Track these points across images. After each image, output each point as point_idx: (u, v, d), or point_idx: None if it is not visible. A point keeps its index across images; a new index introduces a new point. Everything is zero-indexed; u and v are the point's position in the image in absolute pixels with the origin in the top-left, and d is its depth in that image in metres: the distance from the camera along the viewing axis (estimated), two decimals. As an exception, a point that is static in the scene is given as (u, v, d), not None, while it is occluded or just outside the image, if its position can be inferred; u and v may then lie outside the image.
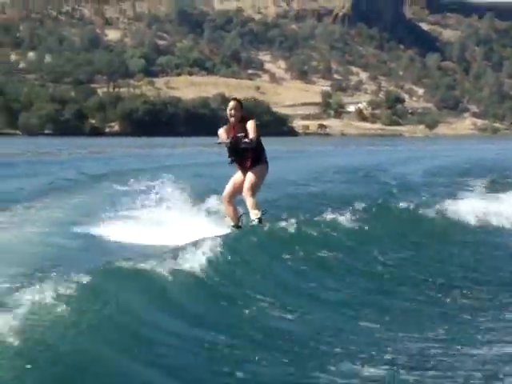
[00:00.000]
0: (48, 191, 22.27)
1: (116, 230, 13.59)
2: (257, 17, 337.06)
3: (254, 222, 12.17)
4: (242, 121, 12.76)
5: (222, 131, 12.86)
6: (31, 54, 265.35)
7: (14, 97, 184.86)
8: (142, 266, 7.68)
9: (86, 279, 6.62)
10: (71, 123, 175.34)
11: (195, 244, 9.14)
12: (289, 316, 8.09)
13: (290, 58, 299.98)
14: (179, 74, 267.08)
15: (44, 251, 12.06)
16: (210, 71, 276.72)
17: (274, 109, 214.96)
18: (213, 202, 14.59)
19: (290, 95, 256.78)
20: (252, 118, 12.88)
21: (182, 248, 8.97)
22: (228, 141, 12.62)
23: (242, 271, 9.06)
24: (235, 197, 13.00)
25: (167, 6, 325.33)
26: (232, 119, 12.77)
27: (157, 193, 14.55)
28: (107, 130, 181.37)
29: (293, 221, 11.22)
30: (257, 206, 12.45)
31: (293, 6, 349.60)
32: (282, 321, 7.90)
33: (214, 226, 12.95)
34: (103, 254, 11.55)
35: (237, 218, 12.84)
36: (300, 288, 9.24)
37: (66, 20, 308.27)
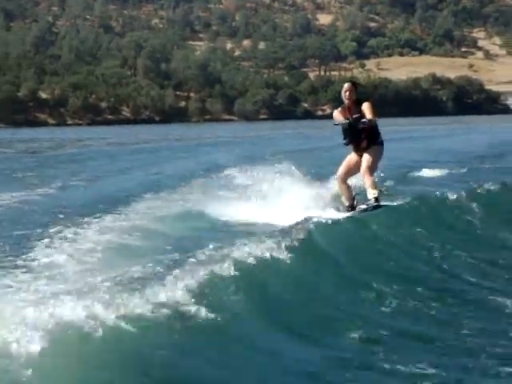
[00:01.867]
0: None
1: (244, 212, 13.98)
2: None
3: (370, 201, 12.19)
4: (357, 103, 12.81)
5: (336, 113, 12.99)
6: (246, 42, 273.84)
7: (230, 84, 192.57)
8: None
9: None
10: (284, 107, 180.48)
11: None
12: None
13: (506, 33, 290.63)
14: (390, 55, 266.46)
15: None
16: (422, 51, 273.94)
17: (488, 86, 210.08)
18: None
19: (505, 72, 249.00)
20: (367, 100, 12.95)
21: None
22: (346, 121, 12.66)
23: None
24: (349, 177, 13.14)
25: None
26: (347, 101, 12.89)
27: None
28: (319, 113, 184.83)
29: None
30: (375, 186, 12.44)
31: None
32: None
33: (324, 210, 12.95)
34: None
35: (352, 198, 12.90)
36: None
37: (279, 7, 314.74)
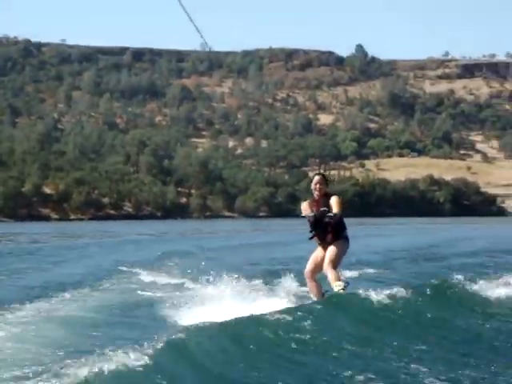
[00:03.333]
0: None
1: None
2: (469, 98, 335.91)
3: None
4: (326, 196, 12.93)
5: (305, 205, 13.04)
6: (248, 140, 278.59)
7: (231, 182, 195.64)
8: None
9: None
10: (283, 206, 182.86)
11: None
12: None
13: (503, 137, 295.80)
14: (390, 156, 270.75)
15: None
16: (421, 152, 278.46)
17: (485, 189, 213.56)
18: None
19: (503, 175, 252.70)
20: (335, 194, 13.05)
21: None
22: (312, 214, 12.70)
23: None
24: (317, 273, 12.93)
25: (378, 91, 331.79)
26: (316, 193, 12.96)
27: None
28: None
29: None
30: (339, 278, 12.37)
31: (506, 86, 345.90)
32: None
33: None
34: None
35: (321, 295, 12.72)
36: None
37: (281, 106, 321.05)
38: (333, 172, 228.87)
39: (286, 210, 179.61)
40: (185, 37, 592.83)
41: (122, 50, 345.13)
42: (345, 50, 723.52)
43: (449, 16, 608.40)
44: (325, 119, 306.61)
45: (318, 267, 12.83)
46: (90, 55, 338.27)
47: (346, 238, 12.99)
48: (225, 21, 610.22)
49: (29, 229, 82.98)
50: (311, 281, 12.91)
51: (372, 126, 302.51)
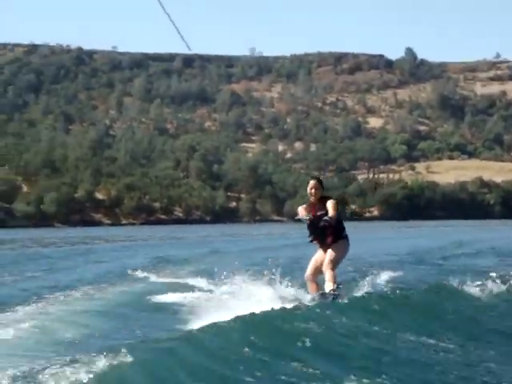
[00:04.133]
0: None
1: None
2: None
3: (328, 293, 12.47)
4: (322, 200, 13.14)
5: (301, 209, 13.33)
6: (297, 144, 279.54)
7: (281, 185, 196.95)
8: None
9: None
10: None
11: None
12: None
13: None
14: (440, 159, 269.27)
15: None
16: (472, 155, 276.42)
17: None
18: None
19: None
20: (331, 198, 13.27)
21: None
22: (307, 218, 12.99)
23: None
24: (317, 275, 13.15)
25: (428, 93, 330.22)
26: (312, 198, 13.18)
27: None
28: (367, 214, 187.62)
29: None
30: (333, 279, 12.64)
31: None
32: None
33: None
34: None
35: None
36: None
37: (330, 110, 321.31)
38: (382, 175, 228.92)
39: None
40: (234, 43, 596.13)
41: (172, 57, 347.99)
42: (394, 53, 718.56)
43: (500, 17, 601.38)
44: (374, 122, 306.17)
45: (318, 270, 13.04)
46: (140, 62, 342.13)
47: (346, 238, 13.21)
48: (274, 26, 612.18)
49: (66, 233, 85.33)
50: (312, 284, 13.12)
51: (422, 128, 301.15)
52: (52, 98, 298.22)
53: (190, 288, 17.88)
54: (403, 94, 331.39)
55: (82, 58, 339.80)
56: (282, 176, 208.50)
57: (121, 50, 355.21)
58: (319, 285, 13.18)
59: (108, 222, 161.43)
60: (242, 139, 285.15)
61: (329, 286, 12.63)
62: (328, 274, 12.79)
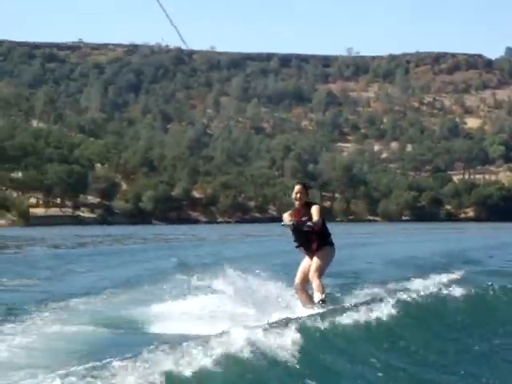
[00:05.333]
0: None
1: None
2: None
3: (316, 305, 12.13)
4: (307, 205, 12.84)
5: (286, 215, 13.00)
6: (393, 145, 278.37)
7: (375, 185, 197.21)
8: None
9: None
10: (427, 209, 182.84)
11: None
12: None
13: None
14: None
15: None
16: None
17: None
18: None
19: None
20: (316, 204, 13.09)
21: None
22: (291, 223, 12.70)
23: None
24: (307, 283, 12.84)
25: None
26: (297, 203, 12.86)
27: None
28: (462, 215, 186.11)
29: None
30: (321, 289, 12.33)
31: None
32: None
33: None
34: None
35: (312, 305, 12.49)
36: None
37: (427, 110, 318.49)
38: (478, 176, 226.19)
39: (430, 213, 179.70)
40: (331, 42, 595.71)
41: (270, 56, 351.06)
42: (494, 52, 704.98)
43: None
44: (472, 123, 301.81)
45: (307, 278, 12.76)
46: (238, 61, 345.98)
47: (332, 244, 12.98)
48: (371, 26, 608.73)
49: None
50: (301, 292, 12.81)
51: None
52: (151, 97, 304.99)
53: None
54: (502, 94, 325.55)
55: (181, 57, 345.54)
56: (376, 176, 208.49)
57: (219, 49, 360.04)
58: (310, 294, 12.82)
59: (204, 219, 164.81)
60: (337, 139, 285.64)
61: (317, 297, 12.29)
62: (315, 284, 12.45)
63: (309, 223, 12.49)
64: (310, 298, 12.66)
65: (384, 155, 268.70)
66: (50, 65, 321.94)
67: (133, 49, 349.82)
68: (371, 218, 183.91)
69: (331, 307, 11.52)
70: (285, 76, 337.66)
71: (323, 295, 12.25)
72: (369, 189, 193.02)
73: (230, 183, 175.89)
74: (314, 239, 12.68)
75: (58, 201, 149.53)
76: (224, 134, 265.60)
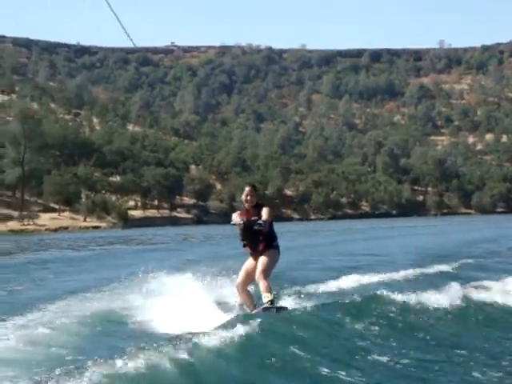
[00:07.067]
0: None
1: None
2: None
3: (265, 305, 12.04)
4: (257, 207, 12.93)
5: (235, 215, 13.10)
6: (488, 136, 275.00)
7: (468, 178, 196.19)
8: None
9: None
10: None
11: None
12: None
13: None
14: None
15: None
16: None
17: None
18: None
19: None
20: (266, 205, 13.07)
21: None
22: (241, 222, 12.81)
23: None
24: (249, 284, 12.94)
25: None
26: (247, 204, 12.94)
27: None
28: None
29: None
30: (269, 289, 12.30)
31: None
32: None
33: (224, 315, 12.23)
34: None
35: (253, 305, 12.65)
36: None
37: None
38: None
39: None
40: (422, 35, 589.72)
41: (360, 52, 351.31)
42: None
43: None
44: None
45: (250, 278, 12.86)
46: (329, 58, 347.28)
47: (277, 248, 13.02)
48: (463, 16, 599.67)
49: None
50: (243, 292, 12.86)
51: None
52: (243, 97, 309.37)
53: None
54: None
55: (272, 57, 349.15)
56: (470, 168, 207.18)
57: (310, 47, 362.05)
58: (251, 294, 12.98)
59: (297, 217, 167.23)
60: (430, 132, 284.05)
61: (266, 297, 12.22)
62: (262, 285, 12.40)
63: (259, 221, 12.59)
64: (252, 298, 12.81)
65: (478, 147, 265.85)
66: (144, 69, 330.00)
67: (224, 50, 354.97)
68: (465, 210, 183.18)
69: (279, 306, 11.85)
70: (376, 71, 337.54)
71: (272, 295, 12.20)
72: (462, 182, 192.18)
73: (321, 180, 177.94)
74: (261, 240, 12.79)
75: (156, 203, 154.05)
76: (316, 131, 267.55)
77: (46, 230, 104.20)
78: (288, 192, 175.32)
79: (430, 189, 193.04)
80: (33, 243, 58.12)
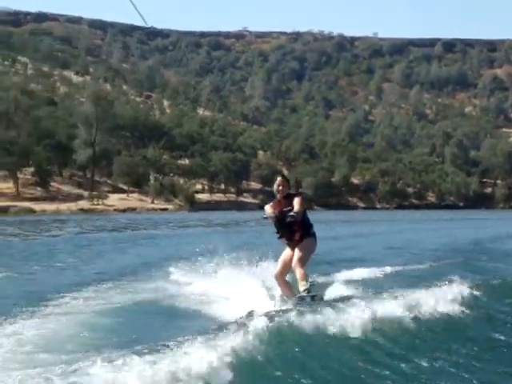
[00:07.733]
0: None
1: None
2: None
3: (302, 294, 12.04)
4: (289, 197, 12.92)
5: (267, 207, 13.07)
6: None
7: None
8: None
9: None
10: None
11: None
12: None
13: None
14: None
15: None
16: None
17: None
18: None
19: None
20: (299, 195, 13.13)
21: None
22: (274, 214, 12.78)
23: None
24: (286, 274, 12.93)
25: None
26: (279, 195, 12.94)
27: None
28: None
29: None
30: (305, 278, 12.33)
31: None
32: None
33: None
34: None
35: (293, 295, 12.54)
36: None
37: None
38: None
39: None
40: (497, 26, 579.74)
41: (433, 42, 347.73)
42: None
43: None
44: None
45: (287, 268, 12.85)
46: (401, 47, 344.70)
47: (314, 235, 13.00)
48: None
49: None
50: (282, 283, 12.88)
51: None
52: (314, 84, 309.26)
53: None
54: None
55: (344, 44, 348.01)
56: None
57: (381, 35, 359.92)
58: (290, 284, 12.96)
59: (363, 205, 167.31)
60: (502, 125, 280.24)
61: (303, 285, 12.21)
62: (299, 273, 12.41)
63: (291, 213, 12.55)
64: (291, 288, 12.79)
65: None
66: (215, 53, 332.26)
67: (296, 36, 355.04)
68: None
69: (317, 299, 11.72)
70: (448, 61, 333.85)
71: (308, 284, 12.21)
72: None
73: (388, 170, 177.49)
74: (296, 230, 12.78)
75: (222, 187, 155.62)
76: (385, 120, 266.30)
77: (114, 210, 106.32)
78: (354, 180, 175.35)
79: (499, 181, 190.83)
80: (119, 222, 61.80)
